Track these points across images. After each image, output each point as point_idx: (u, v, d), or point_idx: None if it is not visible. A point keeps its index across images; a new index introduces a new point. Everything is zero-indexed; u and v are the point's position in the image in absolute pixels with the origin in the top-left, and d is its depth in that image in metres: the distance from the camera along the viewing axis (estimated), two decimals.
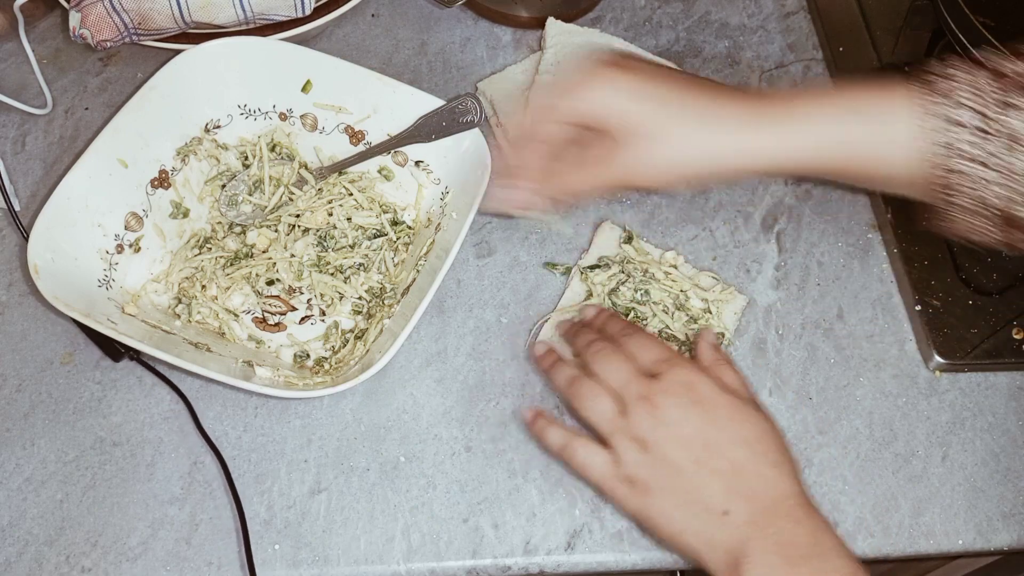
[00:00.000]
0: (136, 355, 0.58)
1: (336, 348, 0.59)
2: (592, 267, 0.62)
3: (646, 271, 0.62)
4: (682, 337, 0.60)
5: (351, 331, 0.60)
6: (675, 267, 0.63)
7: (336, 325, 0.60)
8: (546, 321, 0.61)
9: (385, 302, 0.60)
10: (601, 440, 0.51)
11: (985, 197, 0.46)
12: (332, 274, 0.61)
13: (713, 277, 0.63)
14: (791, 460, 0.49)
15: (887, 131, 0.48)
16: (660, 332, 0.60)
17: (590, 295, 0.61)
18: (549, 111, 0.52)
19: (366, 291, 0.61)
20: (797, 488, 0.48)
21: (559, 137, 0.52)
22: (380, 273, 0.62)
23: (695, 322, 0.60)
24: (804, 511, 0.47)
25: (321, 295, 0.61)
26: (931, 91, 0.47)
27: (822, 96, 0.50)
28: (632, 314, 0.60)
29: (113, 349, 0.58)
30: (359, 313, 0.61)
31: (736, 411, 0.49)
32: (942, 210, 0.48)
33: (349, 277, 0.61)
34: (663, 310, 0.60)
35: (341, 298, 0.61)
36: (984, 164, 0.45)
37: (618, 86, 0.50)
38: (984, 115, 0.45)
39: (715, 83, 0.52)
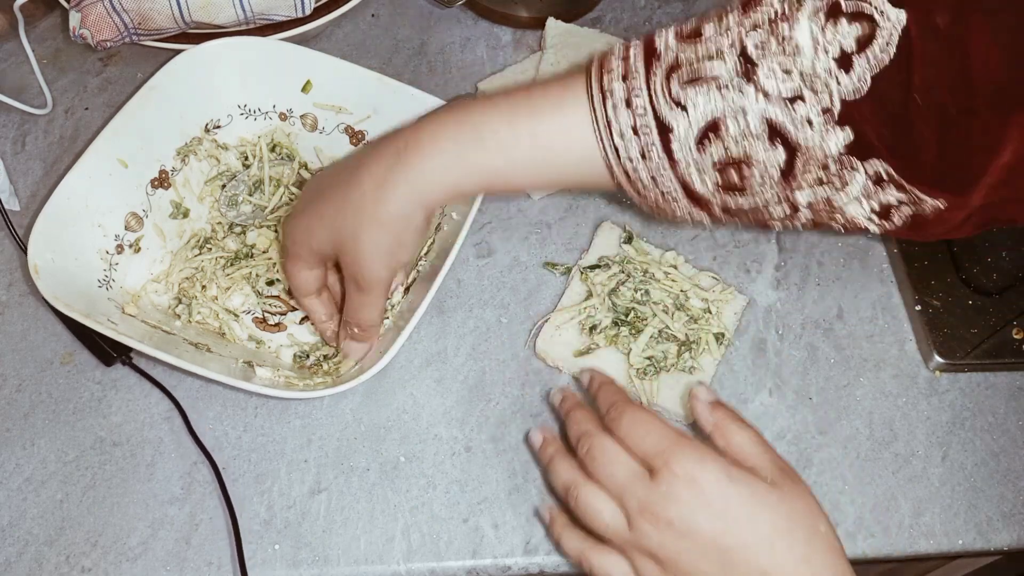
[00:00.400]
0: (128, 360, 0.58)
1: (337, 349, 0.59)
2: (592, 267, 0.62)
3: (646, 271, 0.62)
4: (682, 337, 0.60)
5: None
6: (675, 267, 0.63)
7: None
8: (546, 321, 0.61)
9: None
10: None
11: (662, 183, 0.44)
12: None
13: (713, 277, 0.63)
14: (824, 539, 0.44)
15: (565, 133, 0.45)
16: (660, 332, 0.60)
17: (590, 295, 0.61)
18: (296, 288, 0.55)
19: None
20: None
21: (320, 283, 0.55)
22: None
23: (695, 322, 0.60)
24: None
25: None
26: (600, 92, 0.44)
27: (495, 105, 0.47)
28: (632, 314, 0.60)
29: (105, 354, 0.58)
30: None
31: (751, 501, 0.43)
32: (638, 195, 0.46)
33: None
34: (663, 310, 0.60)
35: None
36: (646, 157, 0.43)
37: (295, 266, 0.53)
38: (638, 109, 0.43)
39: (374, 149, 0.50)
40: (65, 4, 0.66)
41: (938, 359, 0.61)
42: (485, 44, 0.75)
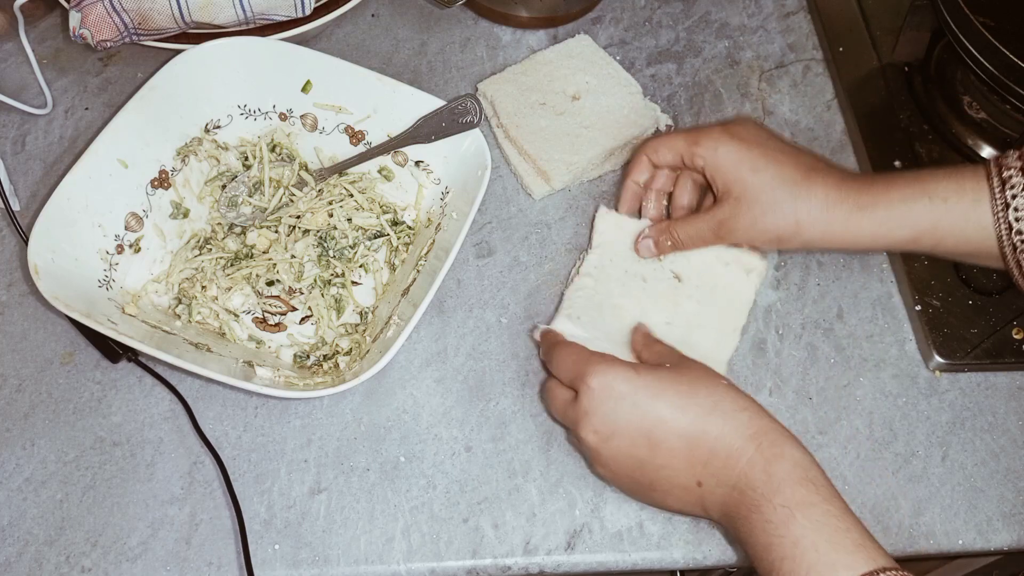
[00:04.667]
0: (134, 356, 0.58)
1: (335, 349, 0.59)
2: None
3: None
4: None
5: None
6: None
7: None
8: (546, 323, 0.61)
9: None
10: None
11: None
12: (331, 281, 0.61)
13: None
14: (725, 388, 0.50)
15: (972, 218, 0.53)
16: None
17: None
18: (671, 141, 0.58)
19: (359, 313, 0.61)
20: (740, 423, 0.48)
21: (667, 163, 0.59)
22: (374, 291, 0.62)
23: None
24: (758, 451, 0.48)
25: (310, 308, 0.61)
26: (1000, 180, 0.52)
27: (912, 185, 0.54)
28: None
29: (111, 350, 0.58)
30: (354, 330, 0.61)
31: (655, 386, 0.50)
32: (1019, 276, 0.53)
33: (347, 286, 0.61)
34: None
35: (338, 316, 0.61)
36: None
37: (740, 156, 0.55)
38: None
39: (824, 163, 0.57)
40: (65, 4, 0.66)
41: (938, 359, 0.61)
42: (485, 44, 0.75)
